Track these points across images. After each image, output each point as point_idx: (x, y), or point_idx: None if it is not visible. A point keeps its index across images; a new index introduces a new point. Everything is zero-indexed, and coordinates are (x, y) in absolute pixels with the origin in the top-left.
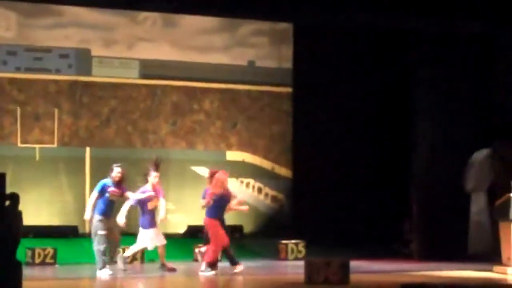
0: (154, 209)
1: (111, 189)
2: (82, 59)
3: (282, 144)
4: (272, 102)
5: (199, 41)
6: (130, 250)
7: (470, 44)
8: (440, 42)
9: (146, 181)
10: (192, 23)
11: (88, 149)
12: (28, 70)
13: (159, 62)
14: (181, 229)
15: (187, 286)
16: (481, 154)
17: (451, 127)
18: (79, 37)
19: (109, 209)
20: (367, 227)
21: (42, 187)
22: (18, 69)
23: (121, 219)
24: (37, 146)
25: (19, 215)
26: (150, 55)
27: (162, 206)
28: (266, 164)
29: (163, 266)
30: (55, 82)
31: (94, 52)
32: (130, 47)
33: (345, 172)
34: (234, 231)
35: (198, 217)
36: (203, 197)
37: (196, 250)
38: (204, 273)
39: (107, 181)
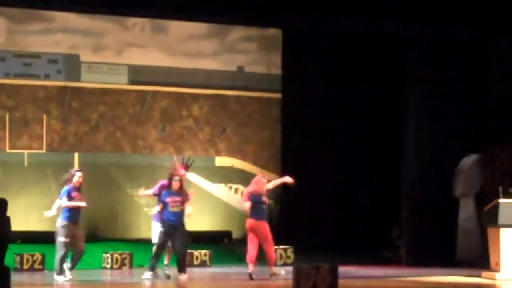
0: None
1: (74, 194)
2: (71, 65)
3: (271, 150)
4: (261, 108)
5: (188, 47)
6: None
7: (462, 50)
8: (432, 48)
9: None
10: (181, 29)
11: (77, 155)
12: (17, 75)
13: (148, 68)
14: None
15: None
16: (470, 160)
17: (441, 133)
18: (68, 43)
19: (74, 215)
20: (356, 233)
21: (30, 193)
22: (7, 75)
23: (49, 213)
24: (25, 151)
25: (7, 220)
26: (139, 61)
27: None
28: (255, 170)
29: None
30: (44, 87)
31: (83, 58)
32: (119, 53)
33: (334, 178)
34: (222, 237)
35: (186, 223)
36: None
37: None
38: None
39: (70, 187)
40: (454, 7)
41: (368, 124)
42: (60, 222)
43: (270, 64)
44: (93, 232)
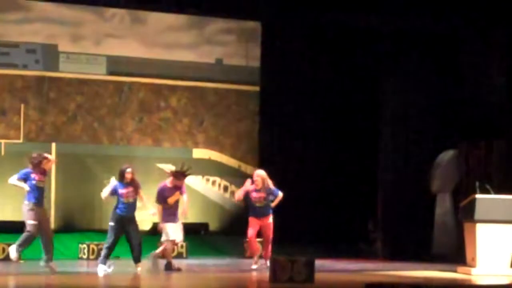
0: (175, 203)
1: (36, 175)
2: (49, 55)
3: (249, 143)
4: (239, 100)
5: (167, 39)
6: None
7: (436, 44)
8: (407, 41)
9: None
10: (160, 20)
11: (54, 145)
12: None
13: (126, 59)
14: (147, 226)
15: (151, 284)
16: (447, 155)
17: (417, 127)
18: (46, 32)
19: (41, 196)
20: (333, 226)
21: (6, 183)
22: None
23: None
24: (2, 141)
25: None
26: (118, 52)
27: (185, 202)
28: (232, 162)
29: (168, 264)
30: (22, 77)
31: (61, 48)
32: (98, 43)
33: (311, 171)
34: (199, 228)
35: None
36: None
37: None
38: None
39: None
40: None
41: (345, 118)
42: (28, 204)
43: (248, 56)
44: (69, 222)
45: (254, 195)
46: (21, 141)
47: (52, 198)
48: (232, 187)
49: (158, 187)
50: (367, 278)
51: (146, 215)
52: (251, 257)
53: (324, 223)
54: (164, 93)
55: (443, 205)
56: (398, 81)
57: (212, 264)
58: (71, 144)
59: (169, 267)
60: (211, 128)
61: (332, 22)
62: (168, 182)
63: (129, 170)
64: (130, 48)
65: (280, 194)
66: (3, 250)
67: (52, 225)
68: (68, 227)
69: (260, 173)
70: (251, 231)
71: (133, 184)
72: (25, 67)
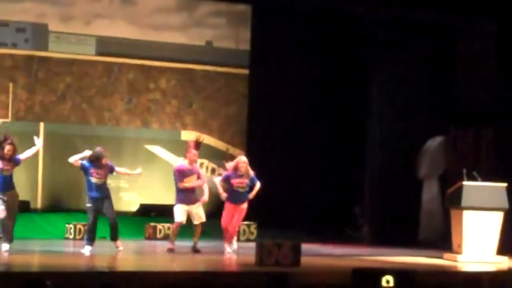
0: (191, 189)
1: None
2: (39, 34)
3: (237, 126)
4: (228, 83)
5: (157, 20)
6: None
7: (429, 32)
8: (399, 28)
9: (184, 157)
10: (150, 1)
11: (42, 125)
12: None
13: (116, 40)
14: (134, 207)
15: (137, 264)
16: (434, 141)
17: (406, 113)
18: (36, 11)
19: (4, 185)
20: (319, 210)
21: None
22: None
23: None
24: None
25: None
26: (107, 32)
27: (206, 189)
28: (220, 145)
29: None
30: (11, 56)
31: (51, 27)
32: (88, 24)
33: (299, 155)
34: None
35: (151, 196)
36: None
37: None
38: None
39: None
40: None
41: (333, 103)
42: None
43: (238, 39)
44: (56, 202)
45: (236, 180)
46: (9, 120)
47: (40, 178)
48: (219, 170)
49: (176, 167)
50: (354, 263)
51: (134, 196)
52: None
53: (311, 208)
54: (154, 74)
55: (430, 191)
56: (388, 67)
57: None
58: (59, 124)
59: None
60: (199, 110)
61: (323, 6)
62: (186, 162)
63: (105, 155)
64: (120, 29)
65: (258, 184)
66: None
67: (39, 205)
68: (55, 207)
69: (245, 159)
70: (226, 218)
71: (105, 167)
72: (14, 46)
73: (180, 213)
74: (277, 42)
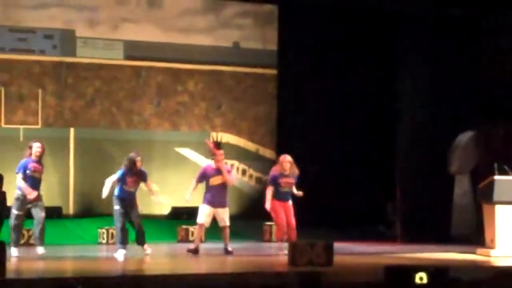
0: (218, 186)
1: (32, 164)
2: (67, 40)
3: (267, 126)
4: (256, 84)
5: (184, 22)
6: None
7: (456, 27)
8: (427, 23)
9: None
10: (177, 4)
11: (72, 130)
12: (12, 50)
13: (143, 43)
14: (165, 211)
15: (169, 268)
16: (465, 136)
17: (436, 109)
18: (63, 17)
19: (32, 186)
20: (351, 209)
21: None
22: (2, 50)
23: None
24: (21, 126)
25: (2, 195)
26: (135, 36)
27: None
28: (250, 145)
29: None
30: (39, 63)
31: (78, 33)
32: (115, 28)
33: (330, 154)
34: None
35: (182, 199)
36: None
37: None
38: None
39: (27, 160)
40: None
41: (364, 100)
42: (16, 193)
43: (265, 40)
44: (88, 207)
45: (284, 180)
46: (39, 126)
47: (71, 184)
48: (250, 171)
49: (202, 167)
50: (386, 260)
51: (164, 199)
52: (278, 240)
53: (343, 207)
54: (182, 77)
55: (461, 187)
56: (417, 62)
57: (233, 248)
58: (89, 129)
59: (191, 250)
60: (228, 111)
61: (348, 4)
62: (213, 163)
63: (139, 158)
64: (147, 33)
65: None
66: (23, 235)
67: (71, 211)
68: (87, 212)
69: (289, 158)
70: (281, 215)
71: (139, 174)
72: (42, 52)
73: (202, 215)
74: (304, 41)
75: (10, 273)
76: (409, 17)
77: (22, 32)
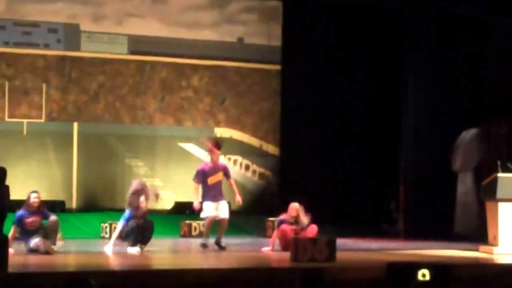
0: (217, 183)
1: (29, 219)
2: (71, 34)
3: (270, 122)
4: (261, 80)
5: (188, 18)
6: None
7: (461, 25)
8: (432, 21)
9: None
10: None
11: (76, 124)
12: (17, 44)
13: (148, 38)
14: (169, 205)
15: (173, 262)
16: (468, 134)
17: (440, 106)
18: (68, 12)
19: (28, 238)
20: (354, 205)
21: (29, 162)
22: (6, 44)
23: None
24: (25, 120)
25: (6, 189)
26: (139, 31)
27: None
28: (254, 141)
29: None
30: (44, 57)
31: (83, 27)
32: (119, 23)
33: (333, 151)
34: None
35: (185, 194)
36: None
37: None
38: None
39: (23, 213)
40: None
41: (368, 96)
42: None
43: (270, 35)
44: (91, 201)
45: (289, 227)
46: (43, 120)
47: (74, 178)
48: (253, 166)
49: (199, 167)
50: (389, 257)
51: (168, 194)
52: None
53: (346, 204)
54: (186, 72)
55: (465, 184)
56: (421, 59)
57: (234, 243)
58: (93, 124)
59: (204, 245)
60: (232, 107)
61: (354, 1)
62: (209, 161)
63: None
64: (151, 28)
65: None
66: None
67: (74, 205)
68: (90, 206)
69: (296, 205)
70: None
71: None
72: (46, 46)
73: (210, 209)
74: (308, 37)
75: (13, 268)
76: (414, 15)
77: (27, 26)
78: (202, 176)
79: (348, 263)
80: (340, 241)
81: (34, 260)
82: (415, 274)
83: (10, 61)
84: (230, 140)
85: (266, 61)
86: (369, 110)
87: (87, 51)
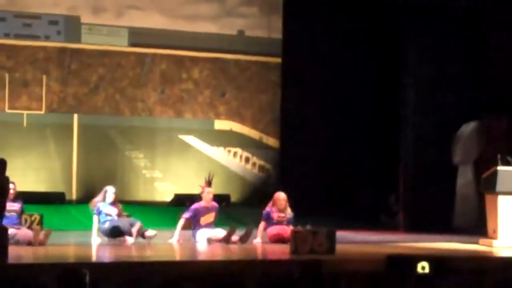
0: (209, 223)
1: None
2: (72, 26)
3: (271, 114)
4: (261, 72)
5: (189, 10)
6: None
7: (461, 18)
8: (432, 14)
9: (200, 199)
10: None
11: (76, 116)
12: (17, 36)
13: (148, 31)
14: (168, 197)
15: (170, 254)
16: (468, 127)
17: (440, 99)
18: (68, 4)
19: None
20: (354, 197)
21: (29, 154)
22: (7, 35)
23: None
24: (25, 112)
25: (5, 180)
26: (139, 23)
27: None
28: (254, 133)
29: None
30: (44, 48)
31: (83, 20)
32: (120, 15)
33: (333, 143)
34: (221, 200)
35: (185, 186)
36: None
37: None
38: None
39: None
40: None
41: (368, 89)
42: None
43: (270, 28)
44: (91, 193)
45: (276, 214)
46: (43, 112)
47: (74, 170)
48: (253, 159)
49: (193, 206)
50: (389, 249)
51: (168, 186)
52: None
53: (346, 195)
54: (186, 64)
55: (464, 177)
56: (421, 52)
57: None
58: (93, 116)
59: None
60: (232, 99)
61: None
62: (203, 202)
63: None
64: (152, 20)
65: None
66: (25, 220)
67: (74, 196)
68: (89, 198)
69: (283, 196)
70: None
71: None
72: (47, 38)
73: (207, 235)
74: (309, 30)
75: (12, 258)
76: (414, 8)
77: (27, 18)
78: (194, 215)
79: (348, 256)
80: (339, 234)
81: (32, 251)
82: (415, 267)
83: (10, 53)
84: (230, 132)
85: (267, 54)
86: (369, 103)
87: (87, 43)
